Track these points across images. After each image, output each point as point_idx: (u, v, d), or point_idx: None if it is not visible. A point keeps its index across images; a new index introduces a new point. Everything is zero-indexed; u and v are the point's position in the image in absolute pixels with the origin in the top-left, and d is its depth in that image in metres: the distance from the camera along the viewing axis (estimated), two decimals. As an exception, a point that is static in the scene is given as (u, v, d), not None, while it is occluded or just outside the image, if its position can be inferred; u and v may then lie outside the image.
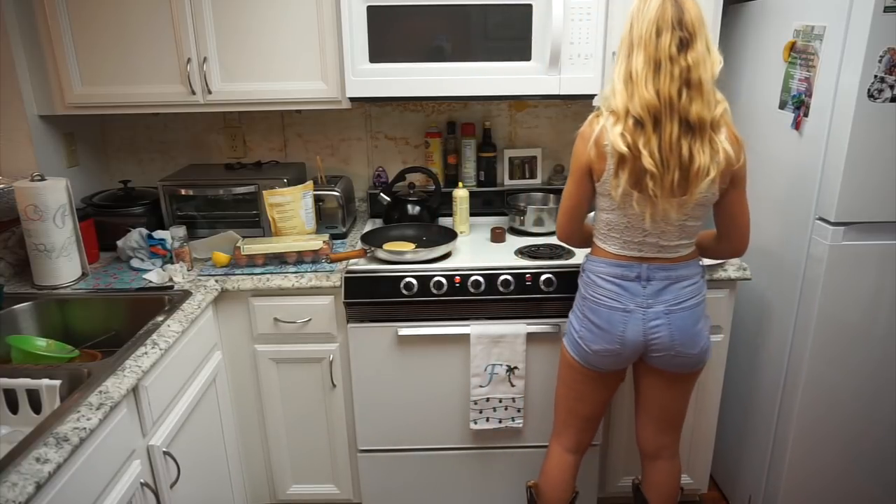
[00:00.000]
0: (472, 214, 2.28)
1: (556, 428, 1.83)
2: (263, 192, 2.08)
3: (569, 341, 1.71)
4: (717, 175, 1.44)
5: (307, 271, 1.95)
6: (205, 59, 1.99)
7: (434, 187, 2.34)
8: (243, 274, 1.95)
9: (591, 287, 1.62)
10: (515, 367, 1.96)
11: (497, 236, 2.18)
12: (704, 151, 1.41)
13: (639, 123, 1.42)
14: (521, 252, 2.05)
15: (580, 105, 2.44)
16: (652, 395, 1.74)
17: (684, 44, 1.38)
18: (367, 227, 2.29)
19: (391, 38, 1.93)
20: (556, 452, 1.82)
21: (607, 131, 1.45)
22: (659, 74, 1.39)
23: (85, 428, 1.19)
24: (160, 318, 1.66)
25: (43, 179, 1.79)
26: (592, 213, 1.68)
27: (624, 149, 1.42)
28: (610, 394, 1.77)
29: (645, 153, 1.41)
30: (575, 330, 1.68)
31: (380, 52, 1.94)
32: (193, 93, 2.02)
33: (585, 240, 1.71)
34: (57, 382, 1.35)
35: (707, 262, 1.77)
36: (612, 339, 1.59)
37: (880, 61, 1.57)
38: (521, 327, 1.92)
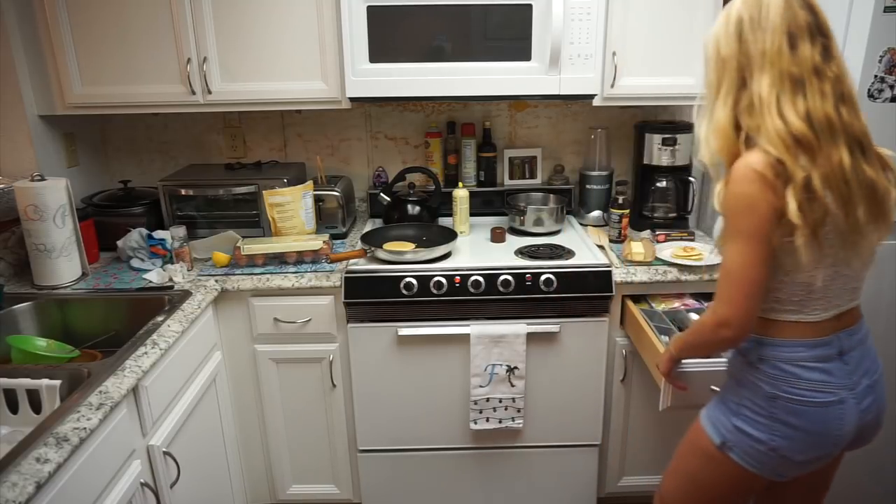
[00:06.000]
0: (472, 214, 2.29)
1: None
2: (263, 192, 2.09)
3: (745, 456, 1.27)
4: None
5: (307, 271, 1.95)
6: (205, 59, 1.99)
7: (434, 187, 2.34)
8: (243, 274, 1.95)
9: (786, 382, 1.22)
10: (515, 368, 1.96)
11: (497, 236, 2.18)
12: (877, 170, 1.18)
13: (780, 163, 1.12)
14: (521, 252, 2.05)
15: (580, 105, 2.44)
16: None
17: (828, 52, 1.15)
18: (367, 227, 2.29)
19: (391, 38, 1.93)
20: None
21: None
22: (803, 94, 1.13)
23: (85, 428, 1.19)
24: (160, 318, 1.66)
25: (43, 179, 1.79)
26: None
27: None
28: None
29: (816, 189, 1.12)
30: (761, 442, 1.25)
31: (380, 52, 1.94)
32: (193, 93, 2.02)
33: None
34: (57, 382, 1.35)
35: None
36: (827, 443, 1.24)
37: (880, 61, 1.57)
38: (521, 327, 1.92)
